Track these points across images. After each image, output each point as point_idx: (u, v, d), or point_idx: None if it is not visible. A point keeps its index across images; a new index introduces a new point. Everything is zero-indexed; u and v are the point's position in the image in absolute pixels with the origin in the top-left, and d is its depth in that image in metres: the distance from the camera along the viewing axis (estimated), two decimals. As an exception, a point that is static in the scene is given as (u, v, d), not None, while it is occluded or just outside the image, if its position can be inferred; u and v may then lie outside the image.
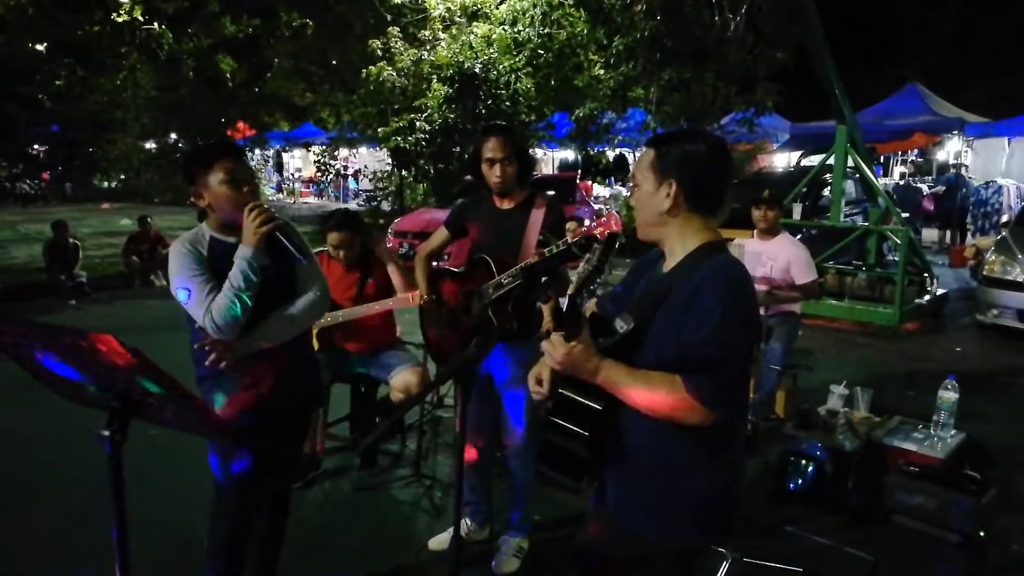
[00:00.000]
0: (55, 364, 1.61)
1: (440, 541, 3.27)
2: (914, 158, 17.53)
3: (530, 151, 19.24)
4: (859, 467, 3.71)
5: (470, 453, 3.23)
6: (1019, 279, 6.98)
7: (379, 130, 16.10)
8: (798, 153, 15.35)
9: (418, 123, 15.43)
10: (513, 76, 15.60)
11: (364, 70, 16.62)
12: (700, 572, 1.95)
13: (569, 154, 20.20)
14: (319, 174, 29.18)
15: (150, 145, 26.88)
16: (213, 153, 2.38)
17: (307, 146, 25.76)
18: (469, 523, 3.29)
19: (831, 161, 8.43)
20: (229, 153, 2.39)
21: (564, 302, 1.57)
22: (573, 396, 1.72)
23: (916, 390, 5.38)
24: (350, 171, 26.37)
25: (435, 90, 15.44)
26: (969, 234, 14.01)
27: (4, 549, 3.21)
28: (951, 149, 14.61)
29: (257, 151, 29.24)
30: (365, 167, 18.94)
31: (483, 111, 15.29)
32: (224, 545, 2.50)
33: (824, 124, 14.76)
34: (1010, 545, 3.17)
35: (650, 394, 1.58)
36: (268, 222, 2.29)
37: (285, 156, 30.85)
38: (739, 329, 1.63)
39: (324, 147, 24.02)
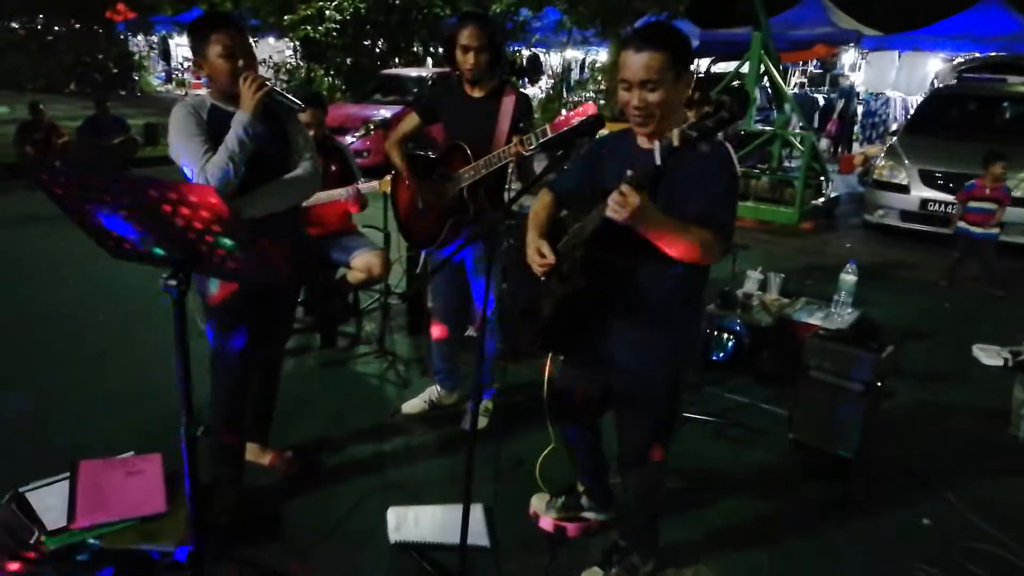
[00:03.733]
0: (114, 221, 1.74)
1: (412, 405, 3.57)
2: (813, 69, 18.33)
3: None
4: (773, 339, 4.24)
5: (440, 329, 3.50)
6: (904, 182, 7.72)
7: (285, 18, 15.32)
8: (707, 60, 15.76)
9: (327, 12, 14.79)
10: (427, -34, 15.10)
11: (267, -49, 15.62)
12: (683, 396, 2.37)
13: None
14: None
15: (15, 25, 24.30)
16: (210, 26, 2.44)
17: (200, 32, 23.86)
18: (440, 390, 3.60)
19: (745, 68, 8.81)
20: (226, 26, 2.45)
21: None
22: (602, 256, 2.04)
23: (814, 279, 6.01)
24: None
25: (345, -23, 14.76)
26: (856, 143, 15.01)
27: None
28: (847, 61, 15.40)
29: (140, 36, 27.10)
30: (270, 57, 17.98)
31: (397, 2, 14.81)
32: (226, 407, 2.69)
33: (731, 32, 15.19)
34: (896, 397, 3.80)
35: (689, 236, 1.90)
36: (262, 87, 2.40)
37: (172, 43, 28.69)
38: (736, 190, 2.06)
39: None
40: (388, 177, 3.79)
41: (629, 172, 1.82)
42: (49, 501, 2.34)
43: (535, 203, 2.36)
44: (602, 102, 15.11)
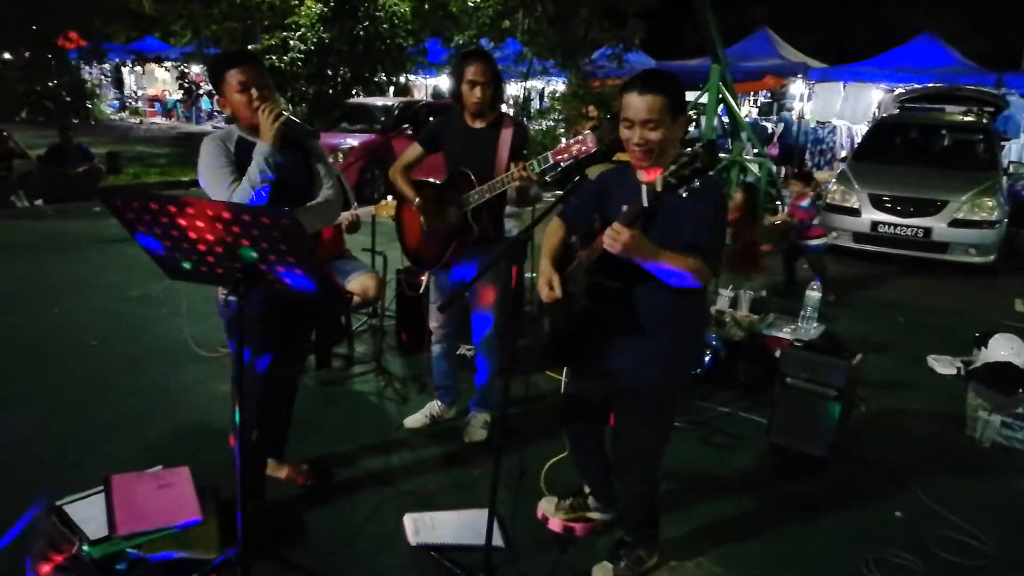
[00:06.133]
0: (153, 243, 1.90)
1: (414, 420, 3.72)
2: (763, 98, 19.12)
3: (407, 77, 18.83)
4: (747, 352, 4.52)
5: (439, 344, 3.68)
6: (855, 206, 8.19)
7: (248, 48, 15.40)
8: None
9: (291, 42, 14.94)
10: (389, -2, 15.41)
11: (229, -19, 15.73)
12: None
13: (441, 81, 20.14)
14: (165, 92, 27.25)
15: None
16: (226, 64, 2.59)
17: (159, 61, 23.78)
18: (440, 404, 3.76)
19: (704, 99, 9.24)
20: (240, 62, 2.60)
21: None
22: (602, 282, 2.24)
23: (777, 296, 6.35)
24: (202, 91, 24.81)
25: (308, 7, 14.95)
26: (806, 169, 15.68)
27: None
28: (796, 92, 16.13)
29: (94, 64, 26.77)
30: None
31: (361, 33, 15.05)
32: (253, 420, 2.81)
33: (686, 63, 15.80)
34: (859, 406, 4.10)
35: (680, 264, 2.12)
36: (280, 117, 2.54)
37: (125, 71, 28.44)
38: (723, 219, 2.29)
39: (175, 63, 22.44)
40: (384, 202, 3.98)
41: (624, 208, 2.05)
42: (88, 513, 2.44)
43: (548, 230, 2.58)
44: (562, 130, 15.49)
